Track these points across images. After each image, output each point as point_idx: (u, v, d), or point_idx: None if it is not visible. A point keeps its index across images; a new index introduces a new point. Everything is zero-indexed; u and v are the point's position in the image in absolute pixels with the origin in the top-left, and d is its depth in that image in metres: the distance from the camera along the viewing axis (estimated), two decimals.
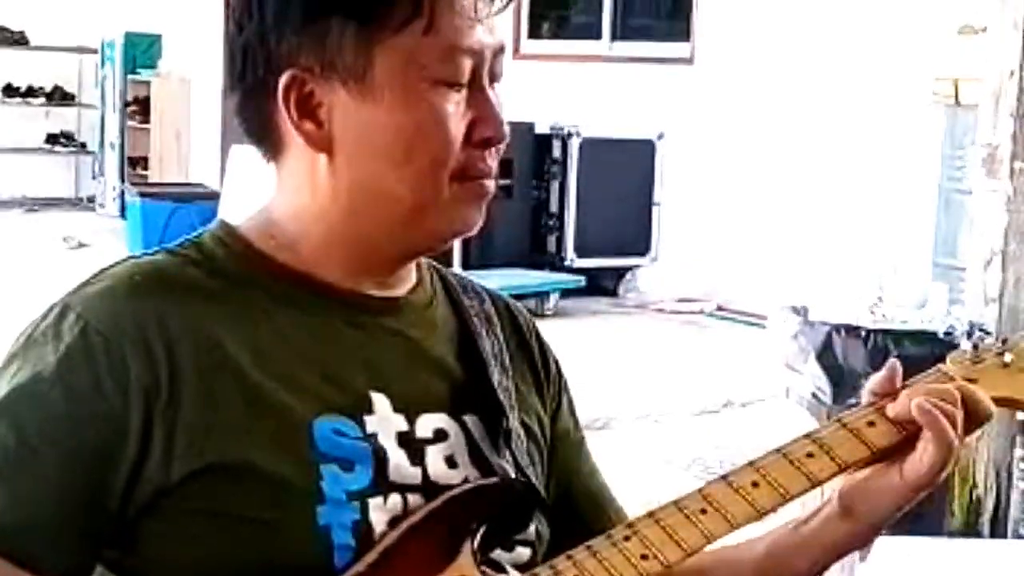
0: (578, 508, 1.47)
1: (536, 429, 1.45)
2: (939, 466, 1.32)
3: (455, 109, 1.31)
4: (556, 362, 1.53)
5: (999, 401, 1.41)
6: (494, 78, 1.35)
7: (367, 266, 1.37)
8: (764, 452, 1.35)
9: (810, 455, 1.33)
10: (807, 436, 1.35)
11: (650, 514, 1.29)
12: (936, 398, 1.34)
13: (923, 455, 1.32)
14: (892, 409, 1.35)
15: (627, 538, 1.27)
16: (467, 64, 1.31)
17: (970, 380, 1.39)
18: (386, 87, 1.29)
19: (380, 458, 1.30)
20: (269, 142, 1.36)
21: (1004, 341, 1.44)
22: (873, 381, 1.38)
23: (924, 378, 1.39)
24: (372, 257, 1.36)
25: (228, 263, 1.35)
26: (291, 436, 1.27)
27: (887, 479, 1.34)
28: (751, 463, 1.33)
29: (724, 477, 1.32)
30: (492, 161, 1.35)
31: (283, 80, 1.30)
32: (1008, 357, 1.43)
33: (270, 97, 1.32)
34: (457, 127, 1.31)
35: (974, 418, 1.35)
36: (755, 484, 1.31)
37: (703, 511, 1.29)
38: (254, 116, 1.35)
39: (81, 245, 10.79)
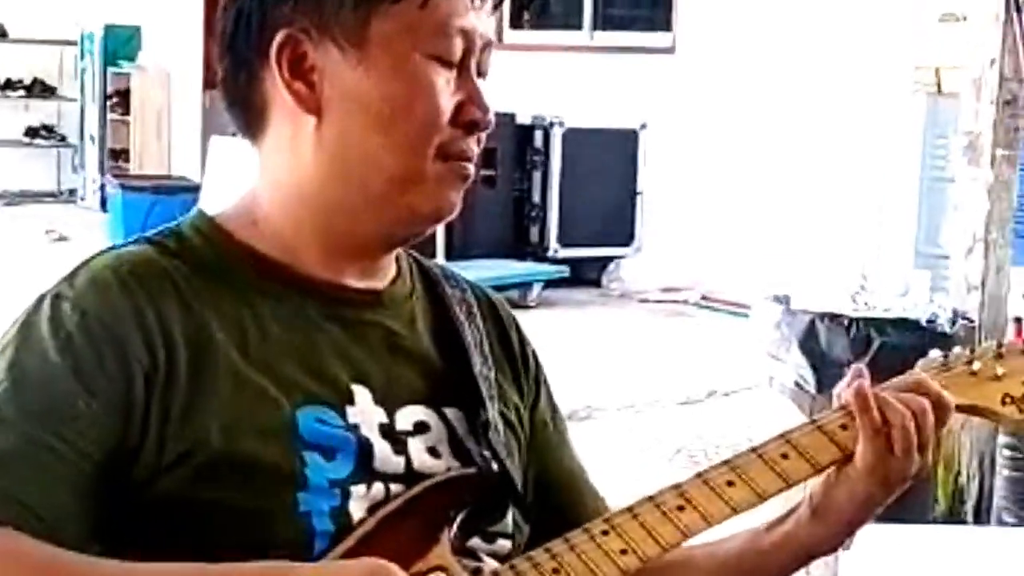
0: (559, 498, 1.48)
1: (515, 420, 1.45)
2: (873, 449, 1.33)
3: (445, 86, 1.33)
4: (534, 353, 1.53)
5: (967, 409, 1.44)
6: (481, 72, 1.37)
7: (345, 252, 1.36)
8: (747, 444, 1.37)
9: (785, 456, 1.35)
10: (782, 436, 1.36)
11: (628, 509, 1.30)
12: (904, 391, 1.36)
13: (861, 438, 1.34)
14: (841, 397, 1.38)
15: (605, 532, 1.28)
16: (458, 44, 1.33)
17: None
18: (380, 53, 1.31)
19: (364, 447, 1.31)
20: (254, 112, 1.36)
21: (972, 351, 1.46)
22: (842, 388, 1.39)
23: (895, 384, 1.40)
24: (349, 240, 1.36)
25: (207, 254, 1.35)
26: (275, 423, 1.27)
27: (845, 470, 1.36)
28: (727, 462, 1.34)
29: (700, 475, 1.33)
30: (475, 146, 1.36)
31: (277, 39, 1.32)
32: (976, 366, 1.45)
33: (261, 60, 1.33)
34: (445, 102, 1.33)
35: (938, 415, 1.37)
36: (731, 483, 1.32)
37: (680, 508, 1.30)
38: (241, 83, 1.36)
39: (62, 238, 10.75)
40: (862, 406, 1.35)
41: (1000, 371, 1.45)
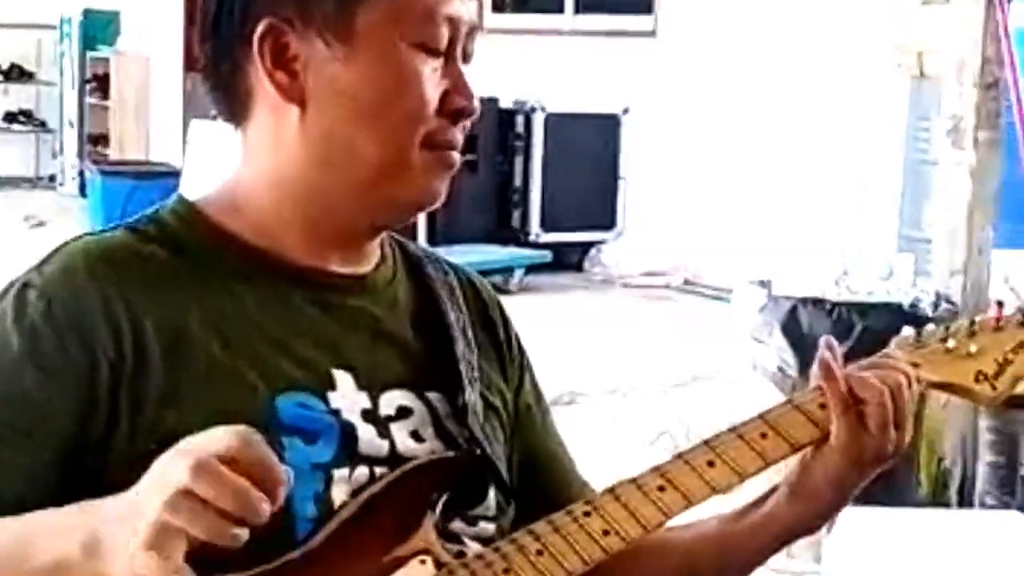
0: (544, 481, 1.48)
1: (498, 403, 1.45)
2: (846, 425, 1.33)
3: (431, 75, 1.32)
4: (517, 337, 1.53)
5: (941, 386, 1.45)
6: (466, 57, 1.36)
7: (328, 239, 1.36)
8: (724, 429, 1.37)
9: (763, 435, 1.35)
10: (761, 416, 1.36)
11: (609, 490, 1.30)
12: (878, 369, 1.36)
13: (832, 413, 1.34)
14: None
15: (588, 514, 1.28)
16: (444, 32, 1.32)
17: (913, 364, 1.41)
18: (365, 43, 1.30)
19: (347, 432, 1.31)
20: (237, 99, 1.35)
21: (947, 328, 1.46)
22: (815, 366, 1.38)
23: (869, 361, 1.40)
24: (332, 227, 1.36)
25: (187, 240, 1.34)
26: (252, 409, 1.27)
27: (821, 449, 1.36)
28: (706, 442, 1.34)
29: (680, 456, 1.33)
30: (460, 134, 1.35)
31: (260, 28, 1.30)
32: (951, 343, 1.45)
33: (243, 48, 1.32)
34: (432, 92, 1.32)
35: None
36: (711, 463, 1.32)
37: (661, 488, 1.30)
38: (224, 70, 1.34)
39: (41, 224, 10.72)
40: (826, 375, 1.35)
41: (973, 348, 1.45)
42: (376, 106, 1.31)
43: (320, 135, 1.32)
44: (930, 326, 1.47)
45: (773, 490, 1.40)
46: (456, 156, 1.36)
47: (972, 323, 1.46)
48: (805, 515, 1.38)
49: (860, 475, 1.36)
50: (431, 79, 1.32)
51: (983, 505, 4.01)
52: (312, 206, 1.34)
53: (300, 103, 1.31)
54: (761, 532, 1.40)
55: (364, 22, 1.30)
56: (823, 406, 1.35)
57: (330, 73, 1.31)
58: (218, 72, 1.35)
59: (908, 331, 1.46)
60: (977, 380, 1.44)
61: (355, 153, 1.32)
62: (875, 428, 1.33)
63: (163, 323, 1.27)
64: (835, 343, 1.38)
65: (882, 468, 1.36)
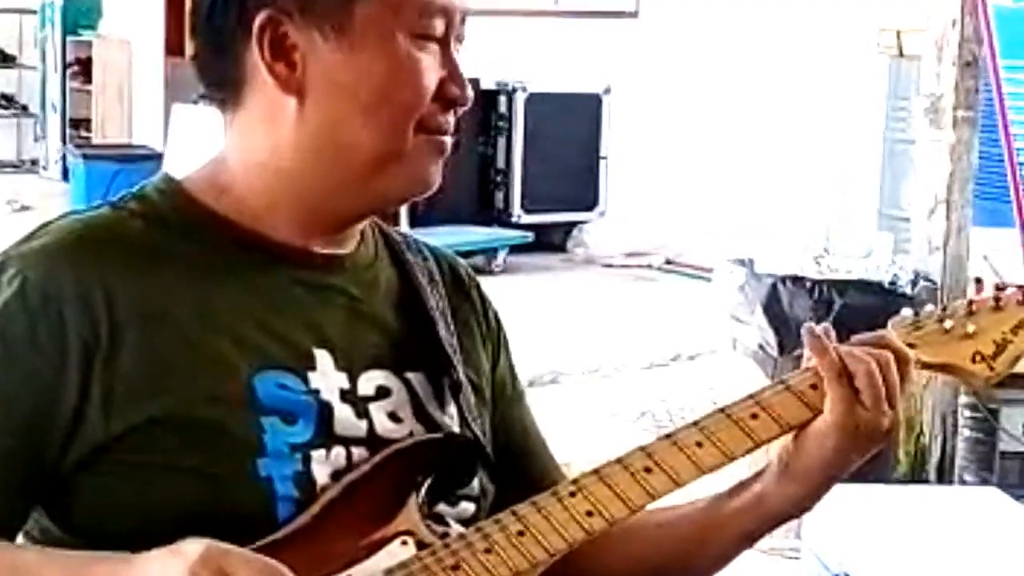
0: (515, 461, 1.47)
1: (480, 384, 1.46)
2: (841, 398, 1.32)
3: (431, 63, 1.33)
4: (497, 317, 1.53)
5: (938, 367, 1.44)
6: (459, 39, 1.37)
7: (316, 223, 1.36)
8: (711, 407, 1.36)
9: (754, 416, 1.34)
10: (751, 397, 1.36)
11: (595, 471, 1.30)
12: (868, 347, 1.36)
13: (827, 386, 1.34)
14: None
15: (572, 494, 1.28)
16: (440, 22, 1.33)
17: (910, 346, 1.40)
18: (364, 35, 1.31)
19: (325, 412, 1.31)
20: (230, 87, 1.35)
21: (944, 308, 1.45)
22: (805, 341, 1.38)
23: (858, 340, 1.39)
24: (322, 213, 1.36)
25: (172, 217, 1.34)
26: (232, 389, 1.27)
27: (816, 426, 1.35)
28: (695, 423, 1.34)
29: (668, 436, 1.33)
30: (452, 119, 1.36)
31: (259, 19, 1.31)
32: (948, 324, 1.43)
33: (240, 38, 1.32)
34: (429, 79, 1.33)
35: (901, 369, 1.36)
36: (699, 444, 1.32)
37: (648, 469, 1.30)
38: (219, 59, 1.34)
39: (24, 208, 10.68)
40: (815, 347, 1.34)
41: (971, 328, 1.43)
42: (375, 98, 1.31)
43: (317, 126, 1.32)
44: (928, 307, 1.45)
45: (759, 473, 1.39)
46: (448, 141, 1.36)
47: (970, 303, 1.45)
48: (793, 497, 1.36)
49: (854, 454, 1.34)
50: (430, 67, 1.33)
51: (962, 482, 4.04)
52: (304, 193, 1.34)
53: (298, 94, 1.32)
54: (747, 515, 1.38)
55: (363, 15, 1.31)
56: (814, 386, 1.35)
57: (329, 65, 1.31)
58: (211, 61, 1.35)
59: (907, 311, 1.45)
60: (974, 360, 1.43)
61: (351, 143, 1.32)
62: (869, 401, 1.32)
63: (142, 305, 1.27)
64: (832, 331, 1.37)
65: (876, 448, 1.35)
